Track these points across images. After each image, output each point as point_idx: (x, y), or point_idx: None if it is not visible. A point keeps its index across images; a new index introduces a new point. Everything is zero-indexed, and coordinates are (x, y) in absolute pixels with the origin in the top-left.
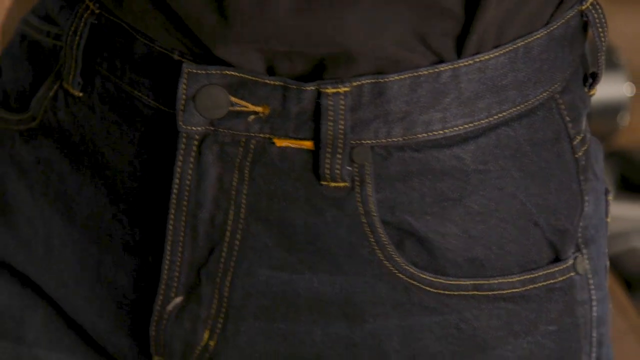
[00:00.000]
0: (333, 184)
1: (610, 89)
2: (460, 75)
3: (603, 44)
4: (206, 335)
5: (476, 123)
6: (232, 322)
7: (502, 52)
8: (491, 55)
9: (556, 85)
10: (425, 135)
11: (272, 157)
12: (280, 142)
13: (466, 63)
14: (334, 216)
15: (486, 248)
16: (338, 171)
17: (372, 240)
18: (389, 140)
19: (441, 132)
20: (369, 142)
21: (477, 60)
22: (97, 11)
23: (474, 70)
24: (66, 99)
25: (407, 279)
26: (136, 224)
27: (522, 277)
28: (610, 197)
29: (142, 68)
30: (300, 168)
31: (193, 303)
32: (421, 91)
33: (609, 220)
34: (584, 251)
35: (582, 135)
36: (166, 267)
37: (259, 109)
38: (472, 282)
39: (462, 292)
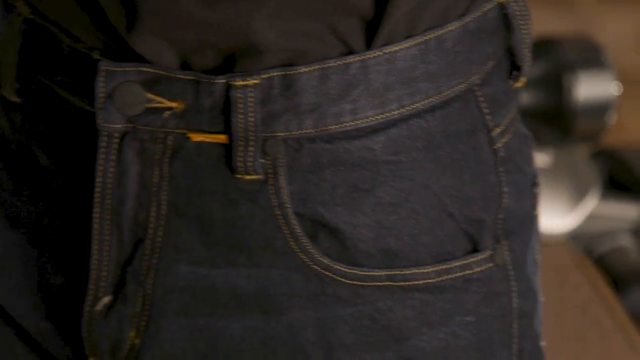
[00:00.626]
0: (247, 177)
1: (597, 88)
2: (369, 67)
3: (526, 36)
4: (132, 333)
5: (387, 114)
6: (155, 320)
7: (412, 43)
8: (400, 47)
9: (474, 78)
10: (336, 126)
11: (190, 153)
12: (196, 137)
13: (374, 54)
14: (249, 209)
15: (399, 239)
16: (251, 164)
17: (286, 232)
18: (301, 132)
19: (352, 123)
20: (280, 134)
21: (386, 51)
22: (29, 16)
23: (382, 61)
24: (5, 106)
25: (321, 270)
26: (68, 225)
27: (436, 268)
28: (538, 189)
29: (69, 69)
30: (216, 162)
31: (120, 302)
32: (330, 83)
33: (537, 213)
34: (504, 242)
35: (502, 127)
36: (94, 266)
37: (174, 104)
38: (385, 272)
39: (376, 283)
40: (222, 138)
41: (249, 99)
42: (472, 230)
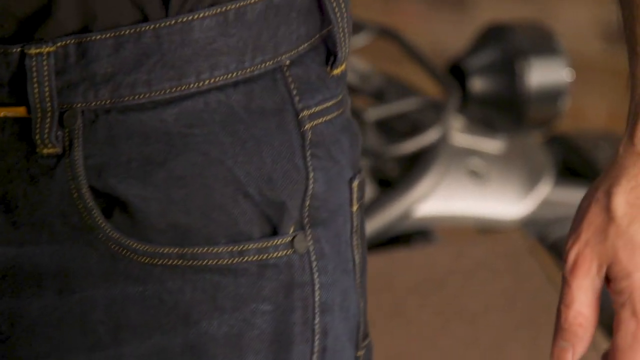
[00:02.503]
0: (45, 151)
1: (550, 74)
2: (163, 36)
3: (339, 23)
4: None
5: (184, 87)
6: None
7: (208, 14)
8: (195, 17)
9: (283, 57)
10: (131, 97)
11: None
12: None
13: (168, 23)
14: (47, 184)
15: (188, 214)
16: (47, 136)
17: (81, 206)
18: (97, 103)
19: (147, 94)
20: (78, 105)
21: (180, 21)
22: None
23: (176, 31)
24: None
25: (114, 246)
26: None
27: (229, 249)
28: (355, 183)
29: None
30: (18, 137)
31: None
32: (124, 52)
33: (354, 209)
34: (309, 231)
35: (313, 110)
36: None
37: None
38: (176, 250)
39: (167, 261)
40: (21, 111)
41: (44, 68)
42: (272, 213)
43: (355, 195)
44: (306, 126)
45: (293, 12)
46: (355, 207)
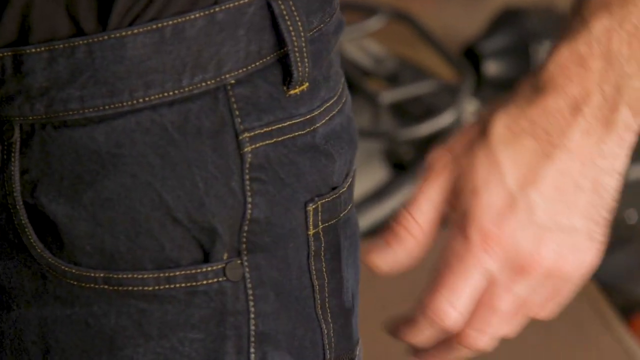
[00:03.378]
0: None
1: None
2: (95, 52)
3: (295, 42)
4: None
5: (117, 105)
6: None
7: (142, 30)
8: (129, 33)
9: (227, 76)
10: (65, 114)
11: None
12: None
13: (100, 39)
14: None
15: (115, 237)
16: None
17: (17, 223)
18: (33, 117)
19: (80, 111)
20: (16, 118)
21: (113, 36)
22: None
23: (108, 47)
24: None
25: (44, 266)
26: None
27: (155, 275)
28: (311, 207)
29: None
30: None
31: None
32: (57, 66)
33: (311, 233)
34: (245, 258)
35: (255, 131)
36: None
37: None
38: (102, 274)
39: (93, 285)
40: None
41: None
42: (203, 239)
43: (311, 220)
44: (246, 148)
45: (240, 30)
46: (312, 231)
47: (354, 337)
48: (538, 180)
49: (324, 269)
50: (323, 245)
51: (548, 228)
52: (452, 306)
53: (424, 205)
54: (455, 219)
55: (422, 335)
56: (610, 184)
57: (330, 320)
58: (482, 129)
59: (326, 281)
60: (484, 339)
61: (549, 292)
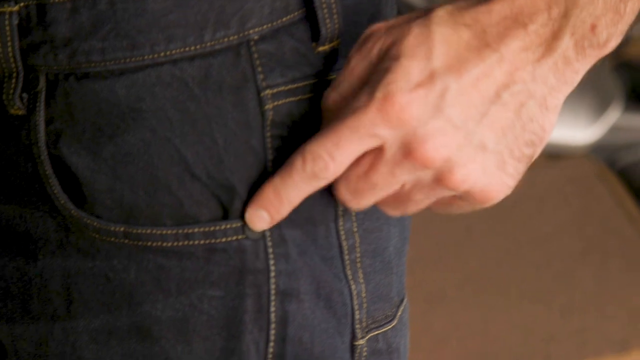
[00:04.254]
0: (12, 112)
1: None
2: (117, 4)
3: None
4: None
5: (138, 58)
6: None
7: None
8: None
9: (249, 32)
10: (87, 65)
11: None
12: None
13: None
14: (14, 147)
15: (134, 193)
16: (12, 97)
17: (42, 173)
18: (57, 67)
19: (101, 63)
20: (41, 68)
21: None
22: None
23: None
24: None
25: (67, 217)
26: None
27: (174, 231)
28: None
29: None
30: None
31: None
32: (80, 17)
33: (341, 210)
34: None
35: (279, 88)
36: None
37: None
38: (122, 228)
39: (114, 239)
40: None
41: (6, 27)
42: (222, 196)
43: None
44: (267, 105)
45: None
46: (333, 201)
47: (393, 297)
48: (463, 72)
49: (355, 229)
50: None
51: (455, 125)
52: (332, 158)
53: (347, 78)
54: (370, 80)
55: (294, 189)
56: (537, 116)
57: (361, 281)
58: (426, 12)
59: (357, 241)
60: (352, 202)
61: (433, 196)
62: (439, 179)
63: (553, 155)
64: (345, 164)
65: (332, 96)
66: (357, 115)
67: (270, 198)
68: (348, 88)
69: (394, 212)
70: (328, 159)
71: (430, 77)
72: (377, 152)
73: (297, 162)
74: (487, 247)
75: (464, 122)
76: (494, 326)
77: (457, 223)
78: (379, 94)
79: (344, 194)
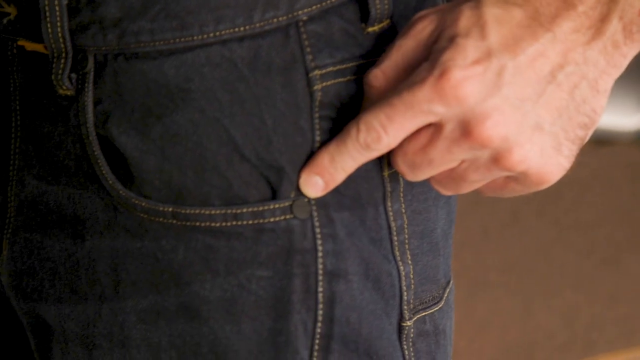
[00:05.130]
0: (61, 92)
1: None
2: None
3: None
4: (4, 243)
5: (187, 39)
6: (11, 233)
7: None
8: None
9: (299, 13)
10: (136, 45)
11: (27, 63)
12: (29, 46)
13: None
14: (64, 126)
15: (183, 173)
16: (61, 77)
17: (90, 153)
18: (106, 47)
19: (150, 44)
20: (90, 48)
21: None
22: None
23: None
24: None
25: (115, 198)
26: None
27: (223, 211)
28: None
29: None
30: (44, 75)
31: None
32: None
33: (386, 174)
34: None
35: (328, 69)
36: None
37: (10, 9)
38: (171, 208)
39: (162, 219)
40: (41, 47)
41: (56, 7)
42: (271, 176)
43: (385, 161)
44: (316, 86)
45: None
46: (387, 172)
47: (440, 278)
48: (518, 51)
49: (403, 210)
50: (402, 186)
51: (513, 105)
52: (385, 131)
53: (395, 59)
54: (428, 59)
55: (348, 157)
56: (589, 98)
57: (409, 262)
58: None
59: (405, 223)
60: (408, 174)
61: (489, 177)
62: (497, 159)
63: (600, 141)
64: (399, 138)
65: (374, 73)
66: (413, 91)
67: (325, 164)
68: (393, 67)
69: (447, 191)
70: (381, 131)
71: (487, 55)
72: (435, 128)
73: (352, 131)
74: (532, 233)
75: (522, 102)
76: (536, 313)
77: (503, 208)
78: (435, 72)
79: (400, 165)
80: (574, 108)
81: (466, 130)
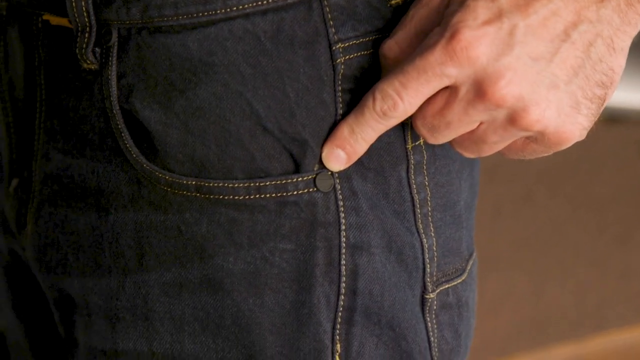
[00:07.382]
0: (86, 66)
1: None
2: None
3: None
4: (29, 217)
5: (211, 12)
6: (35, 207)
7: None
8: None
9: None
10: (159, 19)
11: (53, 37)
12: (54, 20)
13: None
14: (88, 100)
15: (206, 146)
16: (85, 51)
17: (114, 127)
18: (130, 22)
19: (174, 17)
20: (114, 22)
21: None
22: None
23: None
24: None
25: (139, 171)
26: None
27: (246, 184)
28: (409, 120)
29: None
30: (68, 49)
31: (21, 185)
32: None
33: (409, 147)
34: None
35: (351, 42)
36: (4, 149)
37: None
38: (194, 182)
39: (185, 192)
40: (65, 21)
41: None
42: (294, 149)
43: (409, 133)
44: (339, 59)
45: None
46: (411, 145)
47: (463, 251)
48: (530, 11)
49: (426, 183)
50: (425, 159)
51: (526, 63)
52: (400, 97)
53: (409, 29)
54: (440, 24)
55: (367, 126)
56: (605, 56)
57: (432, 235)
58: None
59: (429, 195)
60: (429, 138)
61: (508, 138)
62: (513, 119)
63: (612, 120)
64: (415, 104)
65: (389, 44)
66: (425, 55)
67: (346, 136)
68: (406, 37)
69: (469, 154)
70: (396, 98)
71: (498, 15)
72: (451, 91)
73: (369, 101)
74: (545, 210)
75: (535, 61)
76: (548, 290)
77: (516, 186)
78: (447, 34)
79: (420, 128)
80: (591, 66)
81: (480, 90)
